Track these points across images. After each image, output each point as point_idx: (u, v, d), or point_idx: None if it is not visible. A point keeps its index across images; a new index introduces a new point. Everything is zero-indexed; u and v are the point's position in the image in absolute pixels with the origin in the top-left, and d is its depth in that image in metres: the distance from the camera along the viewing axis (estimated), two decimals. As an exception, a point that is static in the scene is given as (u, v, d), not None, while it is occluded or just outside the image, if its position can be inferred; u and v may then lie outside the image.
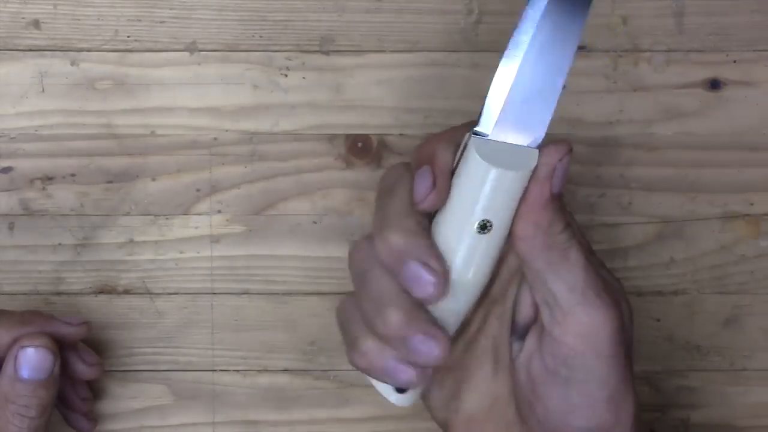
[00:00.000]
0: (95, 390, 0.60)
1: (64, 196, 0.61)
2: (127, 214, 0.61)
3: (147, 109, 0.61)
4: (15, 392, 0.54)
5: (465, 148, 0.48)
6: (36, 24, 0.61)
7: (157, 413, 0.61)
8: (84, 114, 0.61)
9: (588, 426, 0.48)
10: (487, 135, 0.48)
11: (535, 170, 0.47)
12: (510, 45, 0.48)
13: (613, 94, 0.61)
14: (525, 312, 0.50)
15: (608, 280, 0.49)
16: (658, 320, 0.62)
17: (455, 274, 0.48)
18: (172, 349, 0.61)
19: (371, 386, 0.52)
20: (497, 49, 0.61)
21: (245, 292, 0.61)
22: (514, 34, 0.48)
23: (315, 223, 0.61)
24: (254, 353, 0.61)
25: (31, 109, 0.61)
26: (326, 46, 0.61)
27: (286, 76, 0.61)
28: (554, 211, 0.47)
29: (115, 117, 0.61)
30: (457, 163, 0.48)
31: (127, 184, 0.61)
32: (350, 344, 0.50)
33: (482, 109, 0.48)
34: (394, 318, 0.47)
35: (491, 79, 0.48)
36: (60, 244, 0.61)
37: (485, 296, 0.50)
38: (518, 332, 0.50)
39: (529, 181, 0.47)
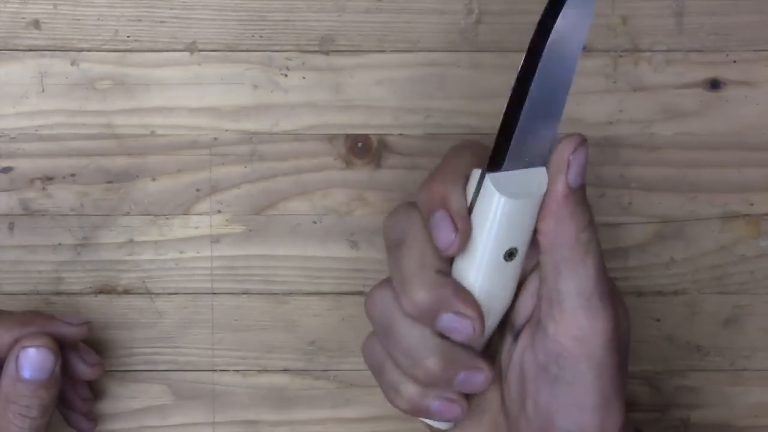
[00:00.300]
0: (95, 390, 0.60)
1: (64, 196, 0.61)
2: (127, 214, 0.61)
3: (147, 109, 0.61)
4: (16, 392, 0.54)
5: (479, 186, 0.47)
6: (36, 24, 0.61)
7: (157, 413, 0.61)
8: (84, 114, 0.61)
9: (572, 430, 0.48)
10: (500, 168, 0.47)
11: (551, 162, 0.47)
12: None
13: (613, 94, 0.61)
14: (523, 313, 0.50)
15: (613, 288, 0.49)
16: (658, 320, 0.62)
17: (485, 304, 0.48)
18: (171, 349, 0.61)
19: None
20: (497, 49, 0.61)
21: (245, 292, 0.61)
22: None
23: (315, 223, 0.61)
24: (254, 353, 0.61)
25: (31, 109, 0.61)
26: (326, 46, 0.61)
27: (286, 76, 0.61)
28: (575, 204, 0.47)
29: (115, 117, 0.61)
30: (473, 200, 0.48)
31: (127, 184, 0.61)
32: (390, 389, 0.50)
33: (494, 145, 0.47)
34: (433, 366, 0.48)
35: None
36: (60, 244, 0.61)
37: None
38: (514, 332, 0.50)
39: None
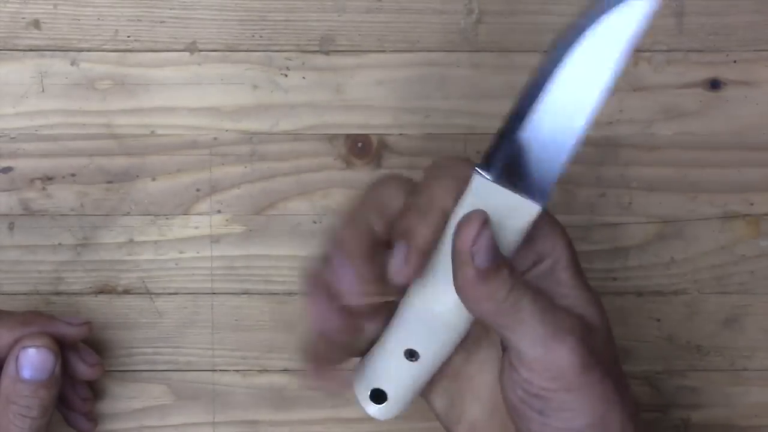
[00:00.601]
0: (95, 390, 0.60)
1: (64, 196, 0.61)
2: (127, 214, 0.61)
3: (147, 109, 0.61)
4: (16, 392, 0.54)
5: (468, 190, 0.46)
6: (36, 24, 0.61)
7: (157, 413, 0.61)
8: (84, 114, 0.61)
9: None
10: (489, 177, 0.46)
11: (455, 251, 0.45)
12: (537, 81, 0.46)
13: (613, 94, 0.61)
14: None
15: (569, 305, 0.47)
16: (658, 320, 0.62)
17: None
18: (172, 349, 0.61)
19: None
20: (497, 49, 0.61)
21: (245, 292, 0.61)
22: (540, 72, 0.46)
23: (315, 223, 0.61)
24: (254, 353, 0.61)
25: (31, 109, 0.61)
26: (326, 46, 0.61)
27: (286, 76, 0.61)
28: (490, 280, 0.45)
29: (115, 117, 0.61)
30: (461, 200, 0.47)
31: (127, 184, 0.61)
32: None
33: (491, 149, 0.46)
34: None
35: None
36: (60, 244, 0.61)
37: None
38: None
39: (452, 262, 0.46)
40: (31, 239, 0.61)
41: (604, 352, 0.47)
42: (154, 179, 0.61)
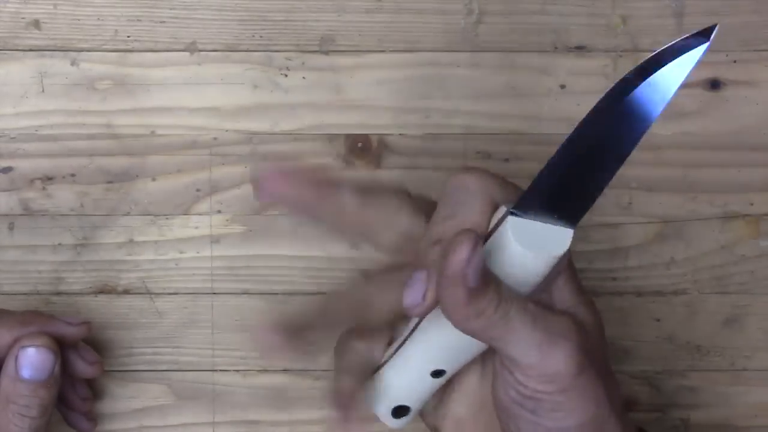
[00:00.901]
0: (95, 390, 0.60)
1: (64, 196, 0.61)
2: (127, 214, 0.61)
3: (147, 109, 0.61)
4: (16, 392, 0.54)
5: (498, 223, 0.46)
6: (36, 24, 0.61)
7: (157, 413, 0.61)
8: (84, 114, 0.61)
9: None
10: (525, 214, 0.45)
11: (445, 274, 0.45)
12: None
13: (613, 94, 0.61)
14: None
15: (560, 308, 0.47)
16: (658, 320, 0.62)
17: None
18: (172, 349, 0.61)
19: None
20: (497, 49, 0.61)
21: (245, 292, 0.61)
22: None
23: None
24: (254, 353, 0.61)
25: (31, 109, 0.61)
26: (326, 46, 0.61)
27: (286, 76, 0.61)
28: (479, 300, 0.45)
29: (115, 117, 0.61)
30: (489, 234, 0.46)
31: (127, 184, 0.61)
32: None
33: (528, 192, 0.46)
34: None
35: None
36: (60, 244, 0.61)
37: None
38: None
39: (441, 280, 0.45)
40: (31, 239, 0.61)
41: (597, 353, 0.47)
42: (154, 179, 0.61)
